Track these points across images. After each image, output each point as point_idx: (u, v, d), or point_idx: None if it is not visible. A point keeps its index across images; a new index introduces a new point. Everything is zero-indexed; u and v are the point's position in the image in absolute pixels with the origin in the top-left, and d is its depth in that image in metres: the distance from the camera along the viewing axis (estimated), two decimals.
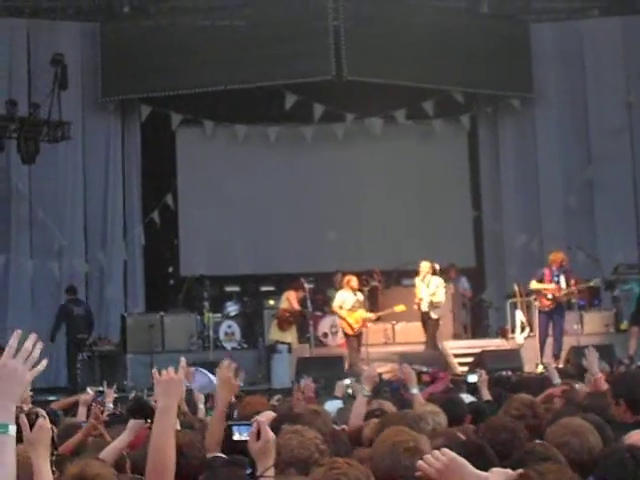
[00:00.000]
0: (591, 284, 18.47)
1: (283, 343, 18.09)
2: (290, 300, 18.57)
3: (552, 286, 17.49)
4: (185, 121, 21.82)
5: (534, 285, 17.84)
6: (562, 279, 17.62)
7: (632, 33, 21.79)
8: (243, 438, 4.56)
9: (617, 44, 22.03)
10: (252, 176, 22.15)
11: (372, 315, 18.17)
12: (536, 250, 21.39)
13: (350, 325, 17.84)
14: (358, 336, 17.99)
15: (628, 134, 22.00)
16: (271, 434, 4.22)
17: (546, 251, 21.13)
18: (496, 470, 3.25)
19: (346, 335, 18.10)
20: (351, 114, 22.11)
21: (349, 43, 20.74)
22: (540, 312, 17.78)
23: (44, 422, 4.13)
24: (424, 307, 17.79)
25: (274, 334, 18.47)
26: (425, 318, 17.92)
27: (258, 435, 4.21)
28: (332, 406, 8.58)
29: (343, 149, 22.37)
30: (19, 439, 4.10)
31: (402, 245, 21.18)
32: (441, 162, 22.81)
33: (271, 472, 4.20)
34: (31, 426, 4.09)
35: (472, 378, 11.09)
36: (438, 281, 17.99)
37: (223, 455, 5.83)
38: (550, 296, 17.47)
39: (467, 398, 9.52)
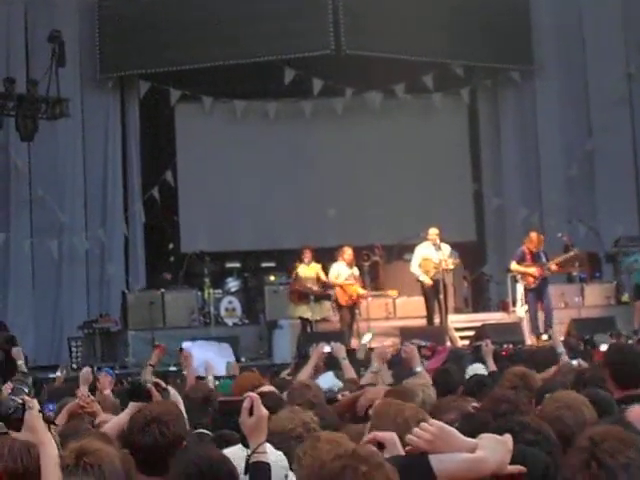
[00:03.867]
0: (571, 254, 18.51)
1: (302, 319, 17.93)
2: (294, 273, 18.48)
3: (533, 269, 17.55)
4: (184, 97, 21.72)
5: (514, 267, 17.88)
6: (543, 258, 17.71)
7: (632, 4, 21.68)
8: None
9: (617, 15, 21.93)
10: (251, 151, 22.11)
11: (365, 292, 18.05)
12: (537, 223, 21.34)
13: (345, 295, 17.73)
14: (351, 309, 17.94)
15: (628, 106, 21.94)
16: (264, 410, 4.19)
17: (547, 224, 21.19)
18: (485, 435, 3.24)
19: (339, 306, 17.97)
20: (350, 89, 22.02)
21: (348, 17, 20.68)
22: (527, 290, 17.83)
23: (30, 413, 4.09)
24: (438, 275, 17.63)
25: (292, 311, 18.24)
26: (436, 287, 17.66)
27: (251, 411, 4.18)
28: (324, 380, 8.61)
29: (342, 124, 22.30)
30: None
31: (403, 220, 21.11)
32: (441, 136, 22.72)
33: (263, 449, 4.18)
34: (20, 420, 4.06)
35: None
36: (448, 247, 17.96)
37: (208, 432, 5.86)
38: (531, 271, 17.55)
39: (479, 369, 9.54)
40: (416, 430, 3.21)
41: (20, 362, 9.74)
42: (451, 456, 3.12)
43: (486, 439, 3.21)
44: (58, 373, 11.22)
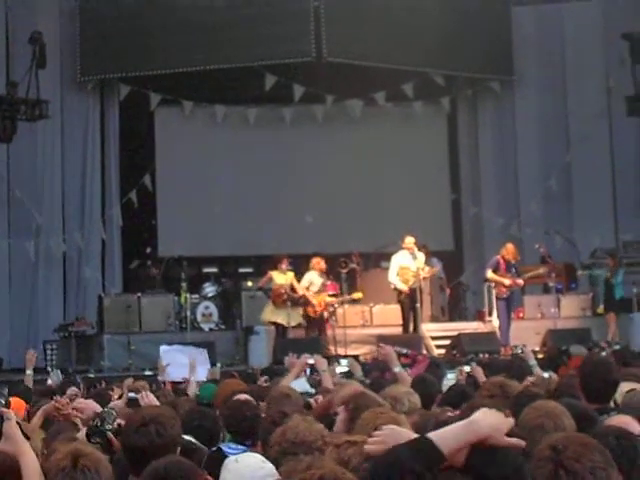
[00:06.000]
0: (539, 271, 18.68)
1: (275, 324, 17.90)
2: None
3: (508, 281, 17.66)
4: (164, 101, 21.69)
5: (490, 275, 17.99)
6: (514, 270, 17.88)
7: (613, 17, 21.78)
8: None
9: (598, 28, 22.04)
10: (231, 157, 22.12)
11: (334, 299, 18.10)
12: (515, 233, 21.43)
13: (314, 308, 17.79)
14: (320, 319, 17.96)
15: (607, 119, 22.02)
16: None
17: (524, 234, 21.27)
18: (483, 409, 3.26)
19: (308, 317, 18.01)
20: (331, 95, 22.05)
21: (329, 24, 20.70)
22: (498, 299, 17.97)
23: (8, 424, 4.07)
24: (416, 283, 17.70)
25: (266, 314, 18.17)
26: (412, 296, 17.74)
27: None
28: (297, 385, 8.65)
29: (322, 130, 22.35)
30: None
31: (381, 227, 21.15)
32: (420, 144, 22.80)
33: None
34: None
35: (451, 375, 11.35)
36: (422, 255, 18.07)
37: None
38: (507, 283, 17.65)
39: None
40: (370, 439, 3.27)
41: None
42: (445, 429, 3.15)
43: (482, 410, 3.25)
44: (49, 381, 11.03)
